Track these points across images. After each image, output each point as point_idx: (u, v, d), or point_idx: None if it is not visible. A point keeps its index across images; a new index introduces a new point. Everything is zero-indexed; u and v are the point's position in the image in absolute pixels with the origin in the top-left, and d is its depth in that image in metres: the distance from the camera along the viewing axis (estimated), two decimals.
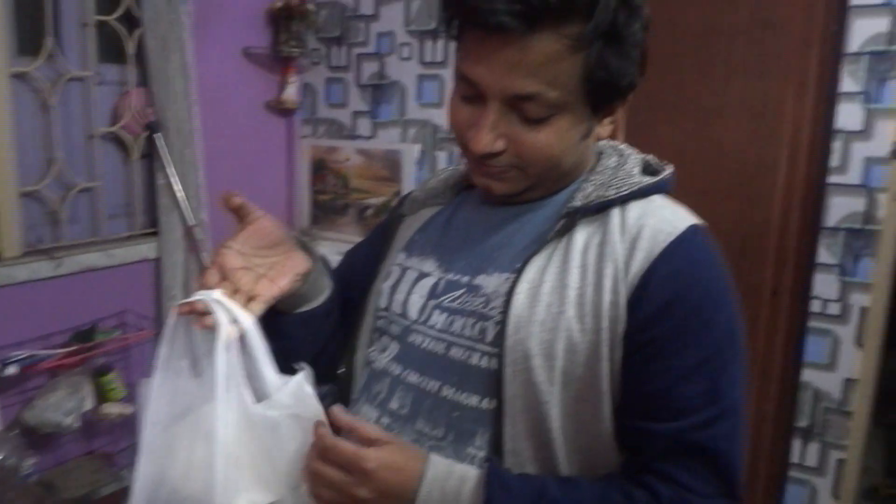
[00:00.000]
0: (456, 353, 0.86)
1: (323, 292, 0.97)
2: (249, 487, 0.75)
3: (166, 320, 0.80)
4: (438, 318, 0.89)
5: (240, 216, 0.86)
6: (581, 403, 0.81)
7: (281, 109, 3.07)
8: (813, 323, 2.26)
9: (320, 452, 0.77)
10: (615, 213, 0.85)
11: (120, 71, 2.57)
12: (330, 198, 3.12)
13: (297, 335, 0.93)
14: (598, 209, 0.85)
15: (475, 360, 0.84)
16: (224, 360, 0.73)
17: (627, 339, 0.79)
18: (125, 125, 2.55)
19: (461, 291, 0.89)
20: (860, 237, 2.18)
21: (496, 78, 0.77)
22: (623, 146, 0.97)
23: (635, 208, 0.85)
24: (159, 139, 2.56)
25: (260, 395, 0.76)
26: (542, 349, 0.80)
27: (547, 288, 0.82)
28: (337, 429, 0.80)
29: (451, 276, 0.91)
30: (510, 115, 0.80)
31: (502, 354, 0.81)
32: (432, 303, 0.91)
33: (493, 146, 0.81)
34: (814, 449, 2.30)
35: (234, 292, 0.80)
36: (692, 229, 0.83)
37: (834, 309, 2.23)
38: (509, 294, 0.82)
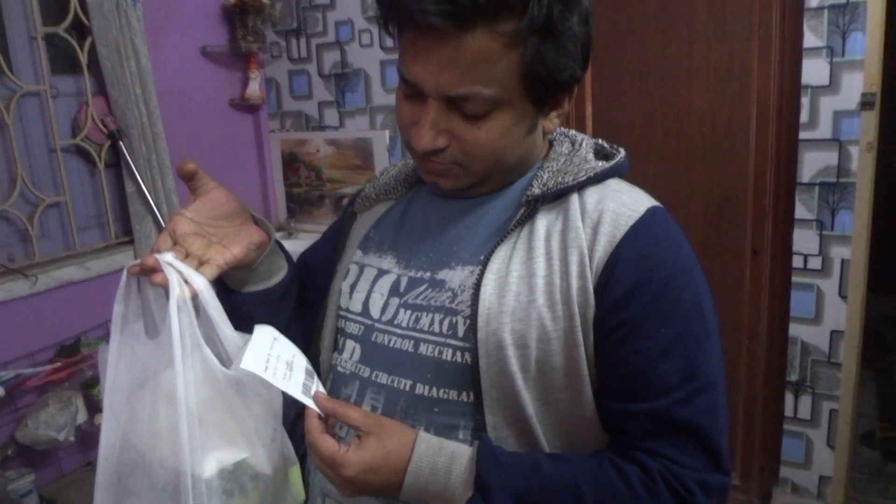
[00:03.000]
0: (426, 350, 0.85)
1: (279, 272, 0.96)
2: (218, 447, 0.73)
3: (120, 283, 0.77)
4: (404, 316, 0.88)
5: (193, 187, 0.85)
6: (560, 392, 0.81)
7: (246, 105, 3.03)
8: (796, 278, 2.29)
9: (307, 445, 0.77)
10: (574, 198, 0.85)
11: (75, 81, 2.51)
12: (304, 190, 3.09)
13: (253, 315, 0.90)
14: (557, 196, 0.85)
15: (447, 355, 0.84)
16: (177, 321, 0.71)
17: (598, 324, 0.79)
18: (88, 135, 2.50)
19: (424, 287, 0.88)
20: (835, 190, 2.20)
21: (431, 77, 0.77)
22: (573, 131, 0.96)
23: (593, 193, 0.85)
24: (123, 146, 2.51)
25: (219, 354, 0.75)
26: (515, 339, 0.79)
27: (514, 278, 0.81)
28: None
29: (412, 273, 0.91)
30: (450, 111, 0.79)
31: (475, 348, 0.80)
32: (395, 300, 0.90)
33: (435, 143, 0.81)
34: (806, 401, 2.34)
35: (185, 256, 0.78)
36: (651, 211, 0.83)
37: (815, 263, 2.26)
38: (477, 287, 0.82)
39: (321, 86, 3.00)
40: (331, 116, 3.01)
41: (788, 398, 2.36)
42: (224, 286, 0.92)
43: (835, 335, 2.26)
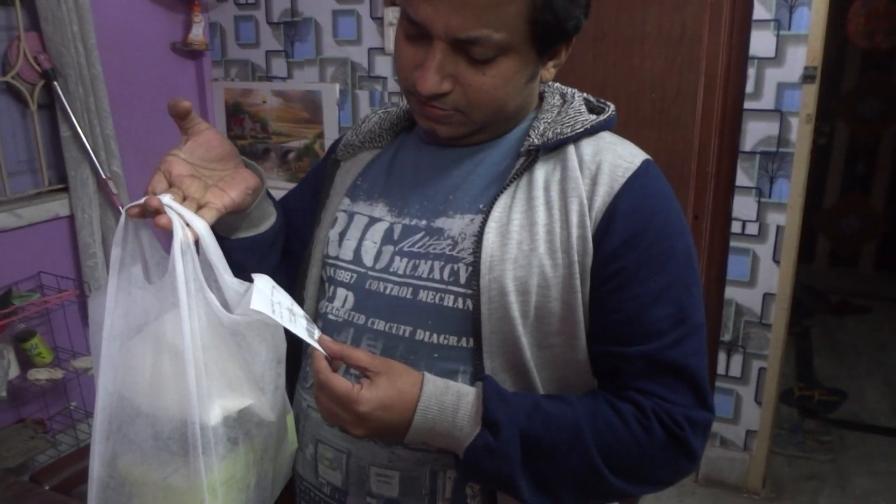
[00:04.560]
0: (426, 296, 0.86)
1: (269, 218, 0.95)
2: (222, 394, 0.72)
3: (118, 225, 0.74)
4: (400, 264, 0.89)
5: (185, 127, 0.82)
6: (556, 336, 0.84)
7: (189, 51, 2.90)
8: (734, 243, 2.39)
9: (317, 386, 0.77)
10: (570, 149, 0.86)
11: (6, 15, 2.35)
12: (249, 142, 3.00)
13: (244, 262, 0.89)
14: (554, 147, 0.86)
15: (449, 302, 0.85)
16: (182, 265, 0.69)
17: (595, 271, 0.82)
18: (19, 73, 2.35)
19: (420, 235, 0.89)
20: (774, 159, 2.29)
21: (441, 19, 0.76)
22: (558, 84, 0.98)
23: (588, 145, 0.87)
24: (58, 87, 2.38)
25: (220, 300, 0.73)
26: (517, 286, 0.81)
27: (515, 226, 0.83)
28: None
29: (406, 221, 0.91)
30: (456, 55, 0.79)
31: (478, 295, 0.82)
32: (389, 248, 0.90)
33: (440, 87, 0.80)
34: (737, 360, 2.47)
35: (182, 199, 0.76)
36: (646, 163, 0.86)
37: (752, 229, 2.36)
38: (479, 235, 0.83)
39: (269, 34, 2.90)
40: (279, 66, 2.92)
41: (721, 357, 2.48)
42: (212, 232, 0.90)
43: (767, 298, 2.38)
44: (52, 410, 2.44)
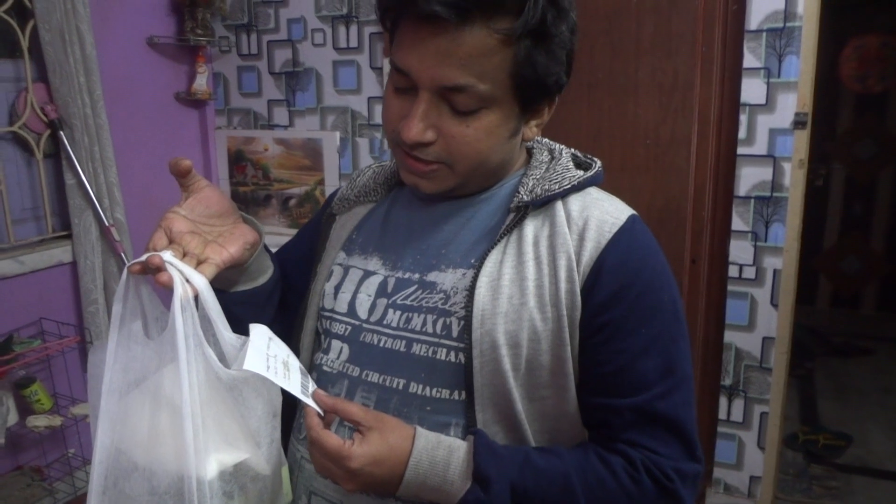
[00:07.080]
0: (419, 349, 0.87)
1: (266, 272, 0.96)
2: (218, 448, 0.73)
3: (120, 280, 0.76)
4: (393, 317, 0.90)
5: (185, 184, 0.85)
6: (546, 388, 0.85)
7: (193, 100, 2.96)
8: (731, 287, 2.41)
9: (310, 442, 0.78)
10: (558, 205, 0.88)
11: (15, 66, 2.41)
12: (251, 189, 3.05)
13: (242, 315, 0.90)
14: (543, 203, 0.88)
15: (441, 355, 0.86)
16: (181, 320, 0.71)
17: (584, 324, 0.84)
18: (26, 123, 2.40)
19: (414, 289, 0.90)
20: (769, 204, 2.32)
21: (428, 67, 0.79)
22: (547, 140, 1.00)
23: (576, 201, 0.89)
24: (64, 136, 2.43)
25: (218, 355, 0.75)
26: (508, 339, 0.83)
27: (506, 281, 0.84)
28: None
29: (399, 275, 0.92)
30: (441, 106, 0.81)
31: (470, 348, 0.83)
32: (383, 301, 0.92)
33: (424, 136, 0.82)
34: (738, 405, 2.46)
35: (182, 255, 0.78)
36: (632, 219, 0.88)
37: (749, 273, 2.38)
38: (471, 289, 0.84)
39: (271, 83, 2.97)
40: (280, 115, 2.98)
41: (722, 401, 2.47)
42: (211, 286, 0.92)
43: (766, 341, 2.39)
44: (51, 458, 2.43)
